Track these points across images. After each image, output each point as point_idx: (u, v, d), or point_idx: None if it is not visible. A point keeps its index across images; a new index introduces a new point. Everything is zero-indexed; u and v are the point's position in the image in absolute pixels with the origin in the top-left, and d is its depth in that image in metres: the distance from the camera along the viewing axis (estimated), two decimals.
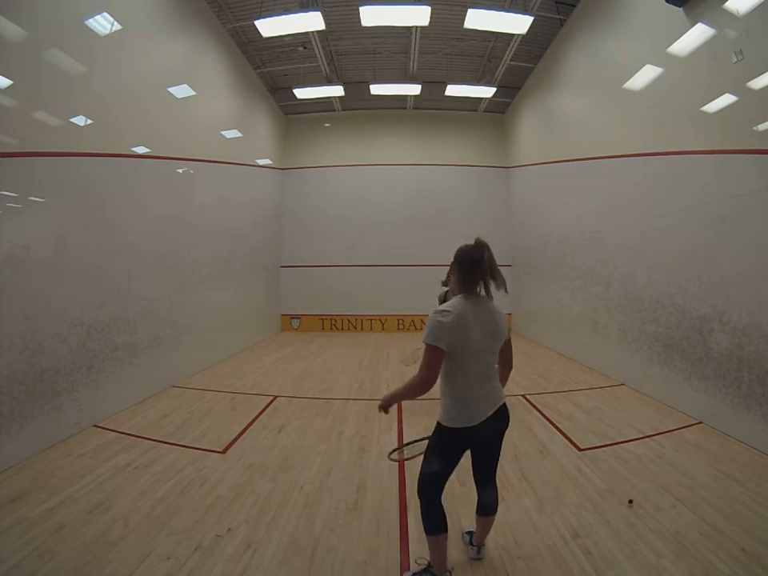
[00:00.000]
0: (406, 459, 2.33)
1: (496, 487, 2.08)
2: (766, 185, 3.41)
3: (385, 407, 1.96)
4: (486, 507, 2.09)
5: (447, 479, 1.93)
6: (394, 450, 2.85)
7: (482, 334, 1.80)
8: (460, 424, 1.84)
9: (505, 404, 1.94)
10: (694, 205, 4.23)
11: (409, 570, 2.10)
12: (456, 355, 1.78)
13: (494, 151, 11.01)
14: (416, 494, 2.01)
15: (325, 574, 2.08)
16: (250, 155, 8.91)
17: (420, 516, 1.98)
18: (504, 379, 2.05)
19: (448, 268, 2.10)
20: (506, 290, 1.82)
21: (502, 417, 1.92)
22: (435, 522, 1.93)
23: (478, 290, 1.86)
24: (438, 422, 1.92)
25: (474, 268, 1.82)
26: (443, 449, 1.91)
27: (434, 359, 1.77)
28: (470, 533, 2.26)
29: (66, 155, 3.85)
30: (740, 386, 3.63)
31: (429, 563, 2.02)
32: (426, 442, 2.05)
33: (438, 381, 1.85)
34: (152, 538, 2.33)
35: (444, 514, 1.95)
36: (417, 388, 1.79)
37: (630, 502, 2.62)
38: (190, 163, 6.18)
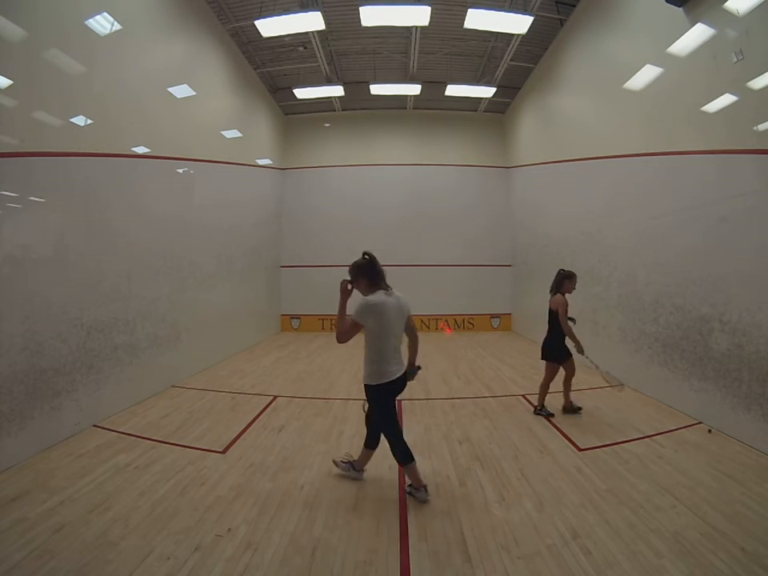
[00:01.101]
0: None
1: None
2: (767, 185, 3.41)
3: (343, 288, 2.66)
4: (375, 444, 2.92)
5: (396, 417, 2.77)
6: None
7: (396, 315, 2.63)
8: (383, 380, 2.62)
9: (405, 373, 2.77)
10: (694, 205, 4.24)
11: (409, 570, 2.10)
12: (380, 330, 2.58)
13: (494, 151, 11.02)
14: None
15: (325, 574, 2.08)
16: (250, 155, 8.91)
17: (392, 452, 2.72)
18: (415, 347, 2.92)
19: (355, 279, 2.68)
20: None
21: (402, 381, 2.75)
22: (406, 452, 2.67)
23: (384, 284, 2.62)
24: (366, 386, 2.68)
25: (374, 271, 2.62)
26: (381, 400, 2.69)
27: (354, 329, 2.57)
28: (353, 461, 3.06)
29: (65, 155, 3.85)
30: (740, 386, 3.63)
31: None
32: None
33: (365, 354, 2.68)
34: (152, 538, 2.33)
35: (408, 447, 2.70)
36: (337, 336, 2.61)
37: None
38: (189, 163, 6.18)
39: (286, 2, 6.69)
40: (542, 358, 4.35)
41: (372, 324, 2.56)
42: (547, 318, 4.32)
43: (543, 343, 4.35)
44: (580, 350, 4.11)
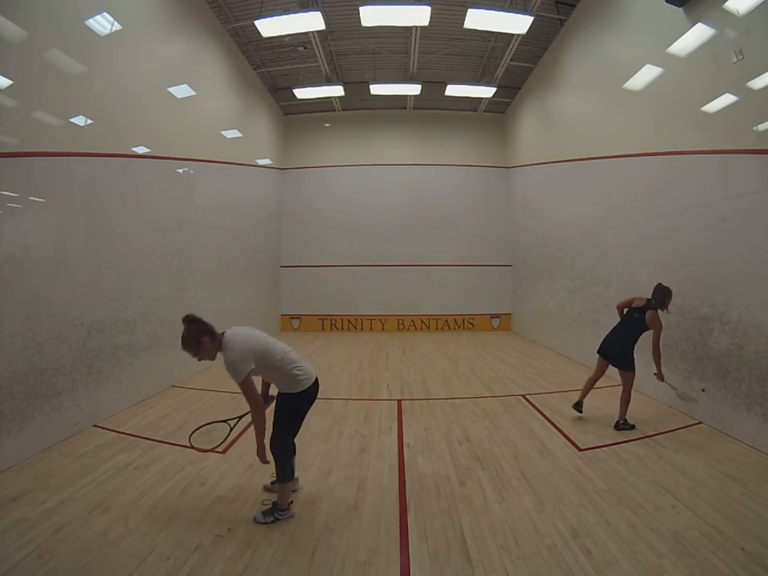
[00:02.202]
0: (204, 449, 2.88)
1: None
2: (767, 185, 3.41)
3: (262, 458, 2.48)
4: (295, 449, 2.73)
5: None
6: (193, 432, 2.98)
7: (262, 335, 2.52)
8: (304, 387, 2.50)
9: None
10: (695, 205, 4.24)
11: (409, 570, 2.10)
12: (266, 357, 2.40)
13: (494, 151, 11.01)
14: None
15: (325, 574, 2.08)
16: (250, 155, 8.91)
17: (277, 470, 2.51)
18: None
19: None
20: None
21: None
22: (289, 471, 2.57)
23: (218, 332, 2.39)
24: (282, 394, 2.51)
25: (207, 328, 2.35)
26: (294, 411, 2.53)
27: (251, 381, 2.34)
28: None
29: (65, 155, 3.85)
30: (740, 386, 3.63)
31: (273, 502, 2.53)
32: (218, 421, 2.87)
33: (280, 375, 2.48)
34: (152, 538, 2.33)
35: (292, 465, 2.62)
36: (254, 406, 2.37)
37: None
38: (189, 163, 6.17)
39: (285, 1, 6.69)
40: (623, 368, 3.91)
41: (258, 358, 2.36)
42: (628, 326, 3.94)
43: (619, 351, 3.91)
44: (661, 377, 3.87)
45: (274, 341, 2.56)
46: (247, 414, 2.63)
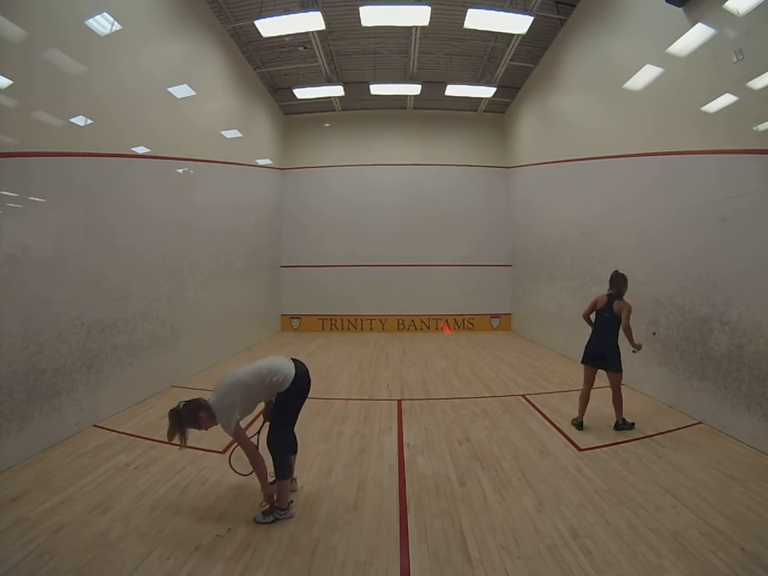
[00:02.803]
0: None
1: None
2: (767, 185, 3.41)
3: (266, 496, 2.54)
4: (293, 448, 2.83)
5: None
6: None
7: (243, 375, 2.52)
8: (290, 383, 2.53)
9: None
10: (695, 205, 4.24)
11: (409, 570, 2.10)
12: (249, 394, 2.48)
13: (494, 151, 11.02)
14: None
15: (325, 574, 2.08)
16: (250, 155, 8.91)
17: (275, 467, 2.53)
18: None
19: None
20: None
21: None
22: (288, 468, 2.59)
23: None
24: (277, 396, 2.55)
25: (194, 406, 2.43)
26: (291, 407, 2.59)
27: (242, 432, 2.47)
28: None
29: (65, 155, 3.85)
30: (740, 386, 3.63)
31: (271, 503, 2.53)
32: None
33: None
34: (152, 538, 2.33)
35: (290, 462, 2.66)
36: (250, 452, 2.48)
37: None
38: (189, 163, 6.17)
39: (285, 2, 6.69)
40: (615, 370, 3.86)
41: (243, 402, 2.47)
42: (605, 328, 3.90)
43: (609, 353, 3.85)
44: (638, 347, 3.82)
45: (251, 367, 2.57)
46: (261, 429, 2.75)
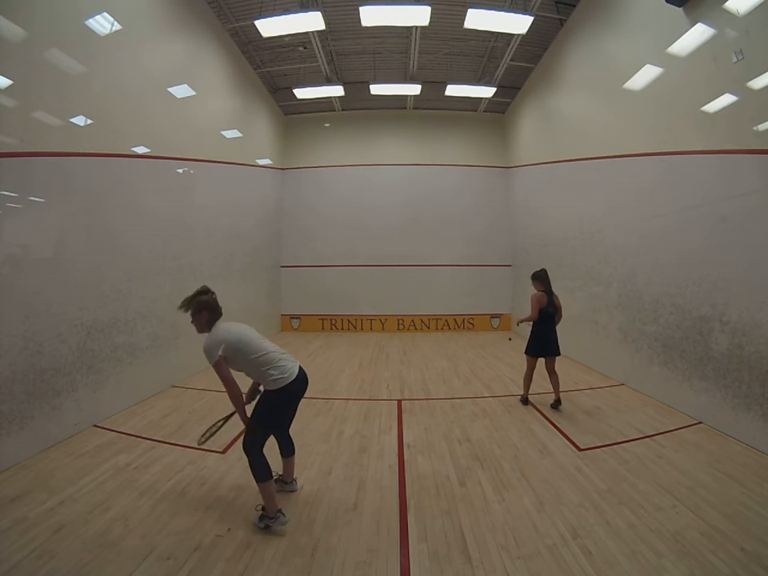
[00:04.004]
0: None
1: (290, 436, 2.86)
2: (767, 185, 3.41)
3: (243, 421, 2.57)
4: (289, 450, 2.84)
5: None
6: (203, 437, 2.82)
7: (250, 329, 2.63)
8: (284, 383, 2.48)
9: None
10: (695, 205, 4.23)
11: (409, 570, 2.10)
12: (241, 351, 2.47)
13: (494, 151, 11.01)
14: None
15: (325, 573, 2.08)
16: (250, 155, 8.91)
17: (251, 469, 2.45)
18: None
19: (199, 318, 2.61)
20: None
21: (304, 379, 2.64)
22: (264, 470, 2.44)
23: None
24: (264, 391, 2.53)
25: (214, 303, 2.58)
26: (269, 406, 2.51)
27: (223, 365, 2.45)
28: (279, 476, 2.84)
29: (65, 155, 3.85)
30: (740, 386, 3.63)
31: (263, 508, 2.45)
32: (220, 422, 2.83)
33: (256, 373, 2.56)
34: (152, 538, 2.33)
35: (267, 463, 2.47)
36: (232, 393, 2.49)
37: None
38: (189, 163, 6.17)
39: (285, 2, 6.69)
40: (558, 354, 4.58)
41: (232, 351, 2.47)
42: (553, 321, 4.59)
43: (556, 342, 4.56)
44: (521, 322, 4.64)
45: (260, 341, 2.58)
46: (234, 414, 2.70)
